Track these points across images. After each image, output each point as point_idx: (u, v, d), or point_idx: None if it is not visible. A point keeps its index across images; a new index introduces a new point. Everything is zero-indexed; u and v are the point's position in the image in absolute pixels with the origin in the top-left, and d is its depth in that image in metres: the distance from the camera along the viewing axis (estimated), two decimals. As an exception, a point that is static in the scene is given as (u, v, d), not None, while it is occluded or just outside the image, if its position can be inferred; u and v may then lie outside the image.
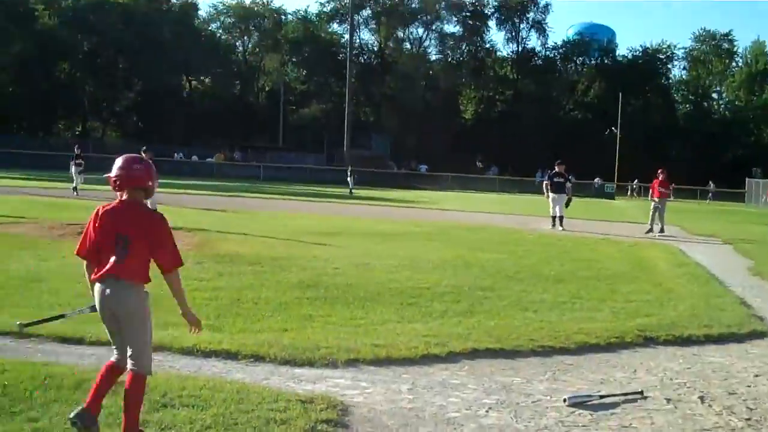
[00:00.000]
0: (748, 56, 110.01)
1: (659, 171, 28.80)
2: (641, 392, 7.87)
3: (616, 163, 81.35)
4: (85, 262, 5.88)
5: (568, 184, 29.04)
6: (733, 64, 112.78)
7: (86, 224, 5.87)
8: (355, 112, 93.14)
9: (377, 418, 6.74)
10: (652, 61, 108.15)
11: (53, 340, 8.66)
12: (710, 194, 77.23)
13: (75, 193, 35.03)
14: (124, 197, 5.83)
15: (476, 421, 6.82)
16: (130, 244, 5.66)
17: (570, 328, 10.44)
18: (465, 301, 12.28)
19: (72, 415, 5.70)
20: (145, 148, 25.67)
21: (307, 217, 28.58)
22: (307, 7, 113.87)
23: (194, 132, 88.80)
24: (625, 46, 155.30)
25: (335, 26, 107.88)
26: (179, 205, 30.68)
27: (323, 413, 6.53)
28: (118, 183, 5.80)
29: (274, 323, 10.09)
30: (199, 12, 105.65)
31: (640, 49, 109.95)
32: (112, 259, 5.65)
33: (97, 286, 5.73)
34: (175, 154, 78.58)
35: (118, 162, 5.84)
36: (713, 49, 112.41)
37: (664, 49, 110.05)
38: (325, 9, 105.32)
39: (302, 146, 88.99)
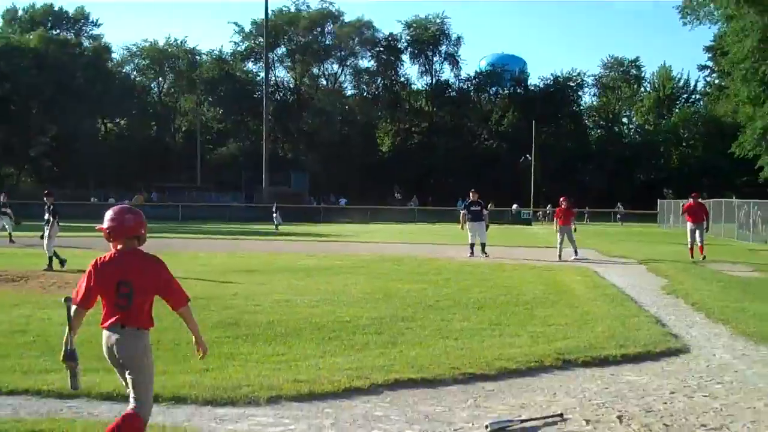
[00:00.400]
0: (656, 81, 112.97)
1: (562, 199, 29.33)
2: (561, 415, 7.98)
3: (532, 190, 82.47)
4: (74, 308, 6.02)
5: (485, 212, 29.51)
6: (642, 89, 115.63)
7: (83, 275, 6.05)
8: (273, 149, 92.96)
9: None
10: (563, 89, 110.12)
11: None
12: (619, 216, 78.56)
13: (10, 241, 34.24)
14: (119, 247, 6.04)
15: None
16: (134, 292, 5.92)
17: (490, 355, 10.54)
18: (386, 333, 12.32)
19: None
20: (46, 192, 25.47)
21: (227, 255, 28.36)
22: (222, 46, 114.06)
23: (111, 174, 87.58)
24: (537, 75, 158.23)
25: (250, 65, 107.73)
26: (94, 249, 30.26)
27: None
28: (111, 234, 6.03)
29: (194, 364, 9.95)
30: (113, 55, 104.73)
31: (551, 78, 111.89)
32: (116, 307, 5.92)
33: (105, 334, 6.01)
34: (92, 198, 77.50)
35: (109, 213, 6.08)
36: (621, 75, 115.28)
37: (575, 77, 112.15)
38: (239, 48, 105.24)
39: (220, 185, 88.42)
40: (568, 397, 8.83)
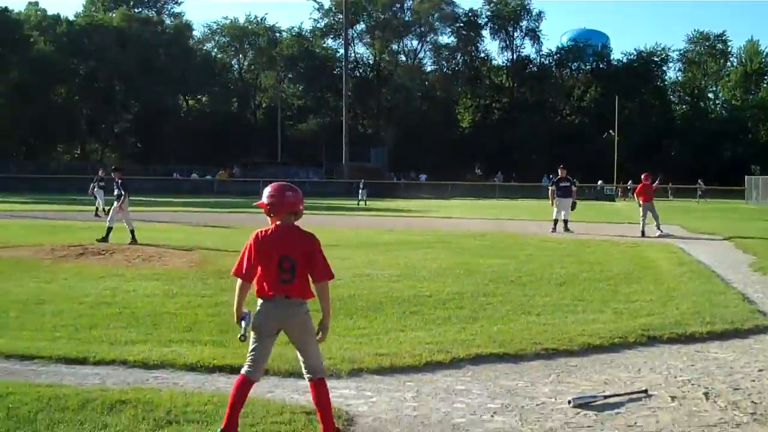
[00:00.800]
0: (743, 56, 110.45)
1: (643, 176, 28.85)
2: (645, 391, 7.87)
3: (615, 166, 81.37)
4: (238, 282, 6.31)
5: (573, 188, 29.32)
6: (728, 64, 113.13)
7: (244, 248, 6.30)
8: (353, 125, 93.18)
9: (382, 426, 6.75)
10: (646, 64, 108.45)
11: (57, 362, 8.62)
12: (699, 192, 77.04)
13: (100, 214, 34.83)
14: (278, 222, 6.35)
15: (482, 426, 6.82)
16: (297, 265, 6.20)
17: (573, 330, 10.45)
18: (468, 308, 12.28)
19: None
20: (114, 168, 26.45)
21: (308, 228, 28.50)
22: (301, 23, 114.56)
23: (192, 150, 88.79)
24: (620, 50, 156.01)
25: (330, 41, 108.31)
26: (179, 223, 30.74)
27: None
28: (271, 209, 6.35)
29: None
30: (194, 32, 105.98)
31: (635, 53, 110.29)
32: (280, 281, 6.18)
33: (268, 304, 6.26)
34: (174, 174, 78.74)
35: (269, 190, 6.40)
36: (707, 49, 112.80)
37: (659, 52, 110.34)
38: (319, 25, 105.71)
39: (301, 161, 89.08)
40: (653, 374, 8.70)
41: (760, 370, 8.87)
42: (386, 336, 10.19)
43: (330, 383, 7.93)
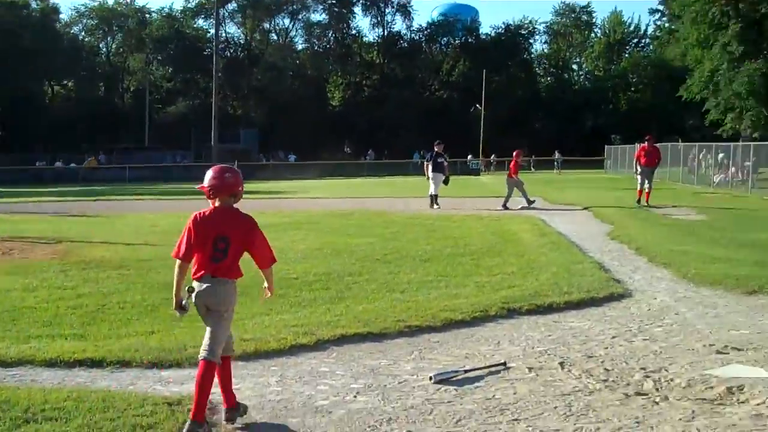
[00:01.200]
0: (606, 27, 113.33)
1: (515, 152, 29.50)
2: (504, 363, 8.12)
3: (481, 140, 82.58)
4: (177, 263, 6.43)
5: (445, 164, 29.74)
6: (592, 35, 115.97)
7: (183, 230, 6.46)
8: (223, 106, 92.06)
9: (246, 414, 6.76)
10: (514, 37, 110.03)
11: None
12: (556, 164, 78.66)
13: None
14: (217, 204, 6.46)
15: (344, 407, 6.92)
16: (230, 245, 6.38)
17: (436, 306, 10.65)
18: (333, 288, 12.39)
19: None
20: None
21: (175, 215, 28.10)
22: (171, 3, 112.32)
23: (58, 138, 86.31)
24: (489, 24, 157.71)
25: (201, 21, 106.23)
26: (42, 213, 29.98)
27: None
28: (212, 191, 6.43)
29: (140, 327, 10.00)
30: (61, 16, 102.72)
31: (503, 26, 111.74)
32: (211, 260, 6.34)
33: (196, 284, 6.36)
34: (37, 162, 76.50)
35: (210, 173, 6.50)
36: (573, 21, 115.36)
37: (526, 25, 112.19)
38: (189, 5, 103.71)
39: (169, 145, 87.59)
40: (512, 346, 8.98)
41: (613, 337, 9.25)
42: (251, 321, 10.18)
43: (194, 372, 7.87)
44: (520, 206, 27.58)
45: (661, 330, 9.58)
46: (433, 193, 28.99)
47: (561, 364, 8.15)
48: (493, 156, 79.77)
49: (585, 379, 7.60)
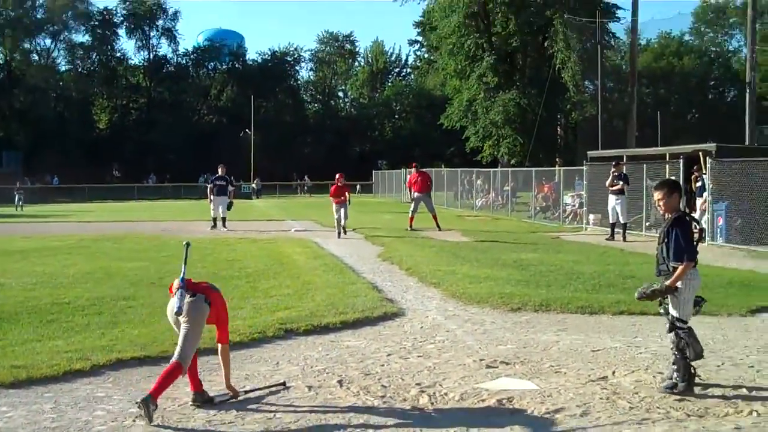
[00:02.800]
0: (369, 56, 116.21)
1: (338, 175, 29.56)
2: (284, 383, 8.19)
3: (252, 164, 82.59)
4: None
5: (230, 188, 29.75)
6: (356, 63, 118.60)
7: None
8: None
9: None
10: (281, 64, 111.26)
11: None
12: (306, 187, 79.89)
13: None
14: None
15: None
16: None
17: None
18: (107, 313, 12.11)
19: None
20: None
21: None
22: None
23: None
24: (255, 50, 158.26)
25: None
26: None
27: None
28: None
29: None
30: None
31: (269, 53, 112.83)
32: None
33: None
34: None
35: None
36: (337, 50, 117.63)
37: (292, 52, 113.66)
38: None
39: None
40: (291, 365, 9.06)
41: (389, 355, 9.50)
42: (22, 347, 9.81)
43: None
44: (293, 229, 27.77)
45: (434, 347, 9.92)
46: (217, 215, 29.11)
47: (339, 382, 8.30)
48: (257, 180, 79.84)
49: (363, 396, 7.77)
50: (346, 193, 26.94)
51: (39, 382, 8.27)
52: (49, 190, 77.37)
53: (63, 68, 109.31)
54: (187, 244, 7.97)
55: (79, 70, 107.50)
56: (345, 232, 26.37)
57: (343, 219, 26.29)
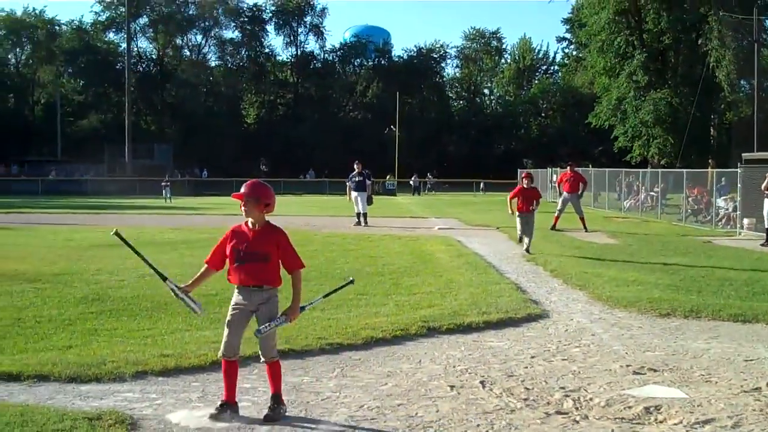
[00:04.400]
0: (516, 53, 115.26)
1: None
2: (352, 281, 8.68)
3: (396, 161, 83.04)
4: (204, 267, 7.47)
5: (368, 182, 30.00)
6: (503, 60, 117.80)
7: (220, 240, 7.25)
8: (136, 121, 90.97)
9: (168, 428, 6.71)
10: (426, 61, 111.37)
11: None
12: (429, 185, 79.77)
13: None
14: (250, 217, 7.09)
15: (268, 426, 6.88)
16: (261, 256, 7.03)
17: (357, 324, 10.68)
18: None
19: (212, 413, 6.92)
20: None
21: (90, 230, 27.71)
22: (82, 16, 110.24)
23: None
24: (401, 47, 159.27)
25: (112, 35, 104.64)
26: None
27: (111, 429, 6.42)
28: (245, 204, 7.04)
29: (58, 341, 9.82)
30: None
31: (415, 49, 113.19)
32: (247, 270, 7.06)
33: (238, 289, 7.25)
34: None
35: (245, 186, 7.16)
36: (483, 46, 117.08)
37: (438, 49, 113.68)
38: (100, 18, 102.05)
39: (82, 158, 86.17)
40: (434, 364, 9.04)
41: (533, 357, 9.38)
42: (171, 336, 10.11)
43: (113, 386, 7.92)
44: (437, 227, 27.75)
45: (579, 350, 9.75)
46: (361, 211, 29.37)
47: (482, 382, 8.24)
48: (414, 176, 79.70)
49: (506, 398, 7.70)
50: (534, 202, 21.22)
51: (187, 371, 8.49)
52: (199, 183, 79.44)
53: (213, 64, 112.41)
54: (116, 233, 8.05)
55: (229, 65, 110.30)
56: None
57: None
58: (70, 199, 56.03)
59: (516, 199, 21.09)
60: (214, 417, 6.85)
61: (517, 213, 20.94)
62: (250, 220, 7.11)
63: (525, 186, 21.17)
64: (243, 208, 7.07)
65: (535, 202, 20.93)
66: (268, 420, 6.92)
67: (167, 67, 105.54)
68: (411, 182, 77.33)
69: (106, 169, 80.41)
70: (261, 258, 7.01)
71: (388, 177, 79.58)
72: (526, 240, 20.48)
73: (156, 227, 28.79)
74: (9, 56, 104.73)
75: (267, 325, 7.06)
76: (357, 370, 8.74)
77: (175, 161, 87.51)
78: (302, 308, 7.43)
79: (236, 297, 7.20)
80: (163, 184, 57.44)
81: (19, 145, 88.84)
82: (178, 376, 8.32)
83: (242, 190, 7.10)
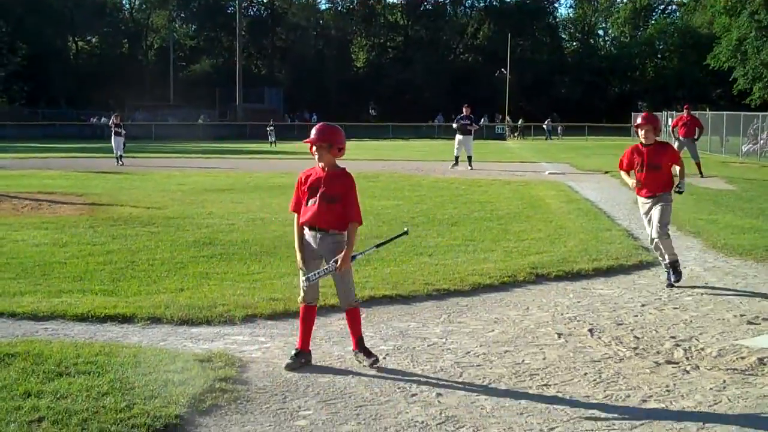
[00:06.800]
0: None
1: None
2: (406, 231, 8.38)
3: (507, 104, 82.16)
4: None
5: (475, 126, 29.93)
6: (618, 0, 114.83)
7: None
8: (247, 65, 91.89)
9: (276, 372, 6.79)
10: (539, 1, 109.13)
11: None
12: (549, 131, 77.21)
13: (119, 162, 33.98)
14: (321, 161, 7.01)
15: (375, 368, 6.91)
16: (331, 198, 6.93)
17: (464, 270, 10.64)
18: (361, 249, 12.35)
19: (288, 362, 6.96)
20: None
21: (201, 174, 28.21)
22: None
23: (83, 93, 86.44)
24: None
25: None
26: (71, 169, 30.04)
27: (221, 371, 6.53)
28: (314, 146, 6.95)
29: (170, 284, 10.02)
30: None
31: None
32: (316, 212, 6.92)
33: (307, 232, 7.08)
34: (91, 119, 76.67)
35: (314, 129, 7.06)
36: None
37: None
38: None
39: (194, 103, 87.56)
40: (541, 311, 8.95)
41: (643, 305, 9.21)
42: (280, 280, 10.19)
43: (223, 329, 8.05)
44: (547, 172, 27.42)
45: (691, 299, 9.53)
46: (458, 154, 29.28)
47: (590, 330, 8.14)
48: (521, 121, 78.78)
49: (615, 347, 7.58)
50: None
51: (295, 315, 8.48)
52: (308, 127, 79.91)
53: (323, 7, 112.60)
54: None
55: (339, 8, 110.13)
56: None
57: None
58: (182, 144, 56.95)
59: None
60: (289, 367, 6.87)
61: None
62: (320, 164, 7.00)
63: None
64: (314, 153, 6.98)
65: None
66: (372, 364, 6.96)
67: (278, 10, 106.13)
68: (544, 126, 76.21)
69: (218, 113, 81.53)
70: (329, 199, 6.90)
71: (497, 119, 78.57)
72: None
73: (266, 172, 29.06)
74: (123, 1, 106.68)
75: (316, 272, 6.97)
76: (464, 316, 8.70)
77: (286, 105, 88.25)
78: (353, 257, 7.19)
79: (305, 239, 7.08)
80: (268, 128, 58.11)
81: (133, 90, 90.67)
82: (286, 320, 8.40)
83: (312, 135, 6.94)
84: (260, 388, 6.36)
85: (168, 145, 55.48)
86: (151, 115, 77.25)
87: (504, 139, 71.67)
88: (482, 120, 64.99)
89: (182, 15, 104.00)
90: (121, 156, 34.33)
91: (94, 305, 8.59)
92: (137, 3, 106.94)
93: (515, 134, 76.95)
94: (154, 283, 10.06)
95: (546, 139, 72.96)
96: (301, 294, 7.09)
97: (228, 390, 6.19)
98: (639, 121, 10.81)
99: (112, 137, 35.42)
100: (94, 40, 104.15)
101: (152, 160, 37.46)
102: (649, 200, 10.61)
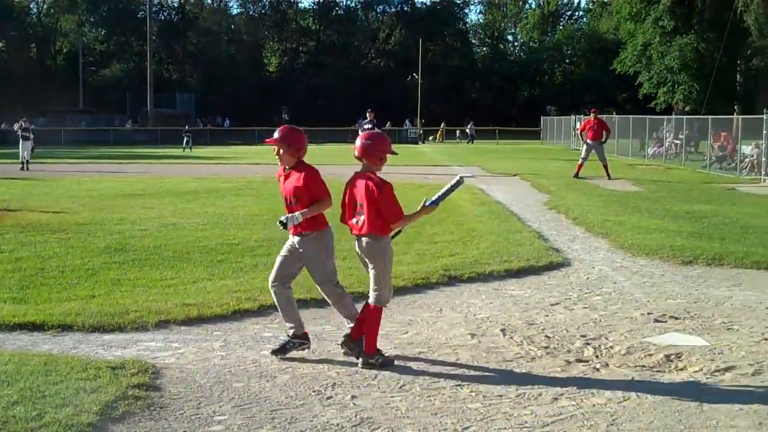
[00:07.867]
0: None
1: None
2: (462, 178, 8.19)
3: (419, 109, 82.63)
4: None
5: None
6: (527, 6, 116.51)
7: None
8: (158, 70, 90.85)
9: (190, 377, 6.75)
10: (449, 7, 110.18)
11: None
12: (469, 134, 76.89)
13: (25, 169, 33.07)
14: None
15: (290, 372, 6.95)
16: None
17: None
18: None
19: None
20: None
21: (112, 180, 27.84)
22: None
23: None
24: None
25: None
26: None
27: (134, 378, 6.45)
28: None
29: (81, 291, 9.89)
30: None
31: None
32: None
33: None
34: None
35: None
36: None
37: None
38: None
39: (104, 108, 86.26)
40: (454, 312, 9.07)
41: (554, 305, 9.39)
42: (194, 286, 10.15)
43: (136, 336, 7.98)
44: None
45: (600, 298, 9.75)
46: None
47: (503, 330, 8.26)
48: (443, 124, 78.92)
49: (526, 346, 7.71)
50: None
51: (209, 320, 8.55)
52: (220, 132, 79.39)
53: (235, 11, 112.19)
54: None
55: (251, 13, 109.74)
56: None
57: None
58: (94, 149, 56.08)
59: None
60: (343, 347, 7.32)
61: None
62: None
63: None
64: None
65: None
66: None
67: (189, 15, 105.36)
68: (467, 130, 76.44)
69: (129, 118, 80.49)
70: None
71: (406, 122, 78.70)
72: None
73: (179, 177, 28.81)
74: (31, 5, 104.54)
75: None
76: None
77: (198, 110, 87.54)
78: (434, 202, 8.04)
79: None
80: (184, 134, 57.71)
81: (41, 96, 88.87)
82: (200, 326, 8.39)
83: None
84: (174, 395, 6.31)
85: (78, 150, 54.49)
86: (61, 119, 75.81)
87: (416, 143, 71.97)
88: (386, 125, 65.34)
89: (91, 19, 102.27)
90: (27, 161, 33.65)
91: (2, 313, 8.44)
92: (45, 7, 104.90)
93: (433, 138, 77.16)
94: (65, 290, 9.91)
95: (468, 142, 73.42)
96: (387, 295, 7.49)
97: (141, 397, 6.12)
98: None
99: (20, 142, 34.72)
100: (0, 44, 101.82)
101: (61, 165, 36.78)
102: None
